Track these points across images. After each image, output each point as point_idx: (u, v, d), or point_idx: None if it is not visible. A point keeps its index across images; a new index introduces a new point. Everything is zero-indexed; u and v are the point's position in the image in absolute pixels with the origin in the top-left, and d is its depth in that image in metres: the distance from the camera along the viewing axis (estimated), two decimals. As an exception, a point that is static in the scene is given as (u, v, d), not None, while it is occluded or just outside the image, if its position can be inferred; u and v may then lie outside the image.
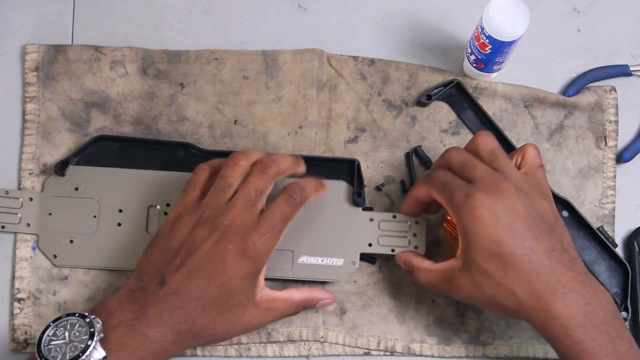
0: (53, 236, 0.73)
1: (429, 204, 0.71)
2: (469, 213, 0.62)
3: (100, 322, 0.60)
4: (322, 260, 0.71)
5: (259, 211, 0.64)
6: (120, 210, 0.73)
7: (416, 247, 0.71)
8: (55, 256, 0.72)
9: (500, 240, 0.61)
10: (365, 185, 0.75)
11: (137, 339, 0.60)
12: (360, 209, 0.72)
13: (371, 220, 0.72)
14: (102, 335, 0.60)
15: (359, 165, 0.74)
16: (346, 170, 0.74)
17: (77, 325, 0.60)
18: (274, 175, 0.66)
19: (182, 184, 0.70)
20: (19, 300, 0.74)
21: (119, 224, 0.73)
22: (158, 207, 0.73)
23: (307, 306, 0.70)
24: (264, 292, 0.66)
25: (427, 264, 0.68)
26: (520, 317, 0.63)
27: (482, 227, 0.61)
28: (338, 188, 0.73)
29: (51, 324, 0.61)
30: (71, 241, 0.73)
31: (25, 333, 0.73)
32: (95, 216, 0.73)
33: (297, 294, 0.69)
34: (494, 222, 0.61)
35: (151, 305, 0.61)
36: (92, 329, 0.59)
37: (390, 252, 0.71)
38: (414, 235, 0.72)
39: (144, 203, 0.73)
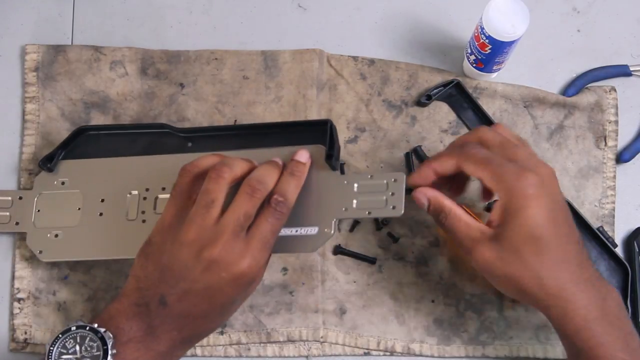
0: (40, 232, 0.72)
1: (440, 179, 0.67)
2: (520, 192, 0.61)
3: (112, 337, 0.60)
4: (296, 231, 0.66)
5: (247, 229, 0.62)
6: (103, 200, 0.72)
7: (394, 207, 0.65)
8: (40, 252, 0.72)
9: (544, 224, 0.61)
10: (339, 147, 0.69)
11: (150, 355, 0.61)
12: (337, 172, 0.67)
13: (347, 183, 0.67)
14: (114, 351, 0.60)
15: (332, 126, 0.68)
16: (325, 131, 0.68)
17: (88, 338, 0.60)
18: (262, 198, 0.63)
19: (160, 167, 0.71)
20: (19, 300, 0.74)
21: (101, 214, 0.72)
22: (136, 192, 0.72)
23: None
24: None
25: (459, 210, 0.64)
26: (537, 303, 0.63)
27: (531, 208, 0.61)
28: (315, 153, 0.68)
29: (60, 335, 0.61)
30: (56, 235, 0.72)
31: (25, 333, 0.73)
32: (79, 209, 0.73)
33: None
34: (542, 205, 0.61)
35: (159, 325, 0.61)
36: (105, 346, 0.59)
37: (367, 215, 0.66)
38: (392, 194, 0.66)
39: (124, 190, 0.72)
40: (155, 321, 0.61)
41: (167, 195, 0.69)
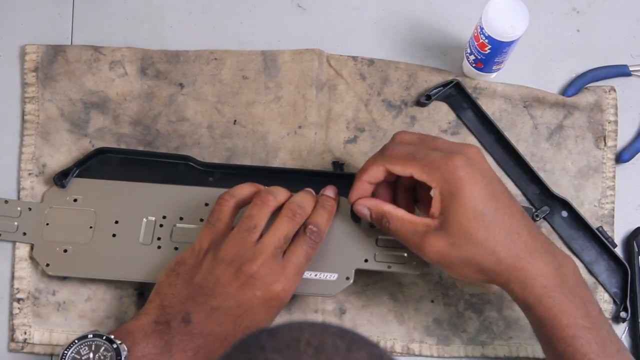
0: (48, 245, 0.72)
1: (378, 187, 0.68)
2: (452, 174, 0.61)
3: (126, 349, 0.61)
4: (316, 275, 0.69)
5: (284, 252, 0.65)
6: (117, 222, 0.73)
7: (414, 264, 0.70)
8: (48, 265, 0.72)
9: (484, 199, 0.61)
10: None
11: None
12: (358, 224, 0.70)
13: (369, 236, 0.70)
14: None
15: None
16: (347, 184, 0.71)
17: (103, 348, 0.61)
18: (302, 221, 0.66)
19: (180, 197, 0.72)
20: (18, 300, 0.74)
21: (114, 235, 0.72)
22: (153, 218, 0.72)
23: None
24: None
25: (400, 212, 0.65)
26: (497, 279, 0.63)
27: (468, 186, 0.61)
28: (339, 205, 0.71)
29: (76, 341, 0.62)
30: (65, 250, 0.72)
31: (25, 333, 0.73)
32: (91, 227, 0.73)
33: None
34: (477, 182, 0.61)
35: (175, 344, 0.62)
36: (118, 357, 0.60)
37: (387, 269, 0.70)
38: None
39: (140, 215, 0.73)
40: (174, 339, 0.62)
41: (185, 225, 0.72)
